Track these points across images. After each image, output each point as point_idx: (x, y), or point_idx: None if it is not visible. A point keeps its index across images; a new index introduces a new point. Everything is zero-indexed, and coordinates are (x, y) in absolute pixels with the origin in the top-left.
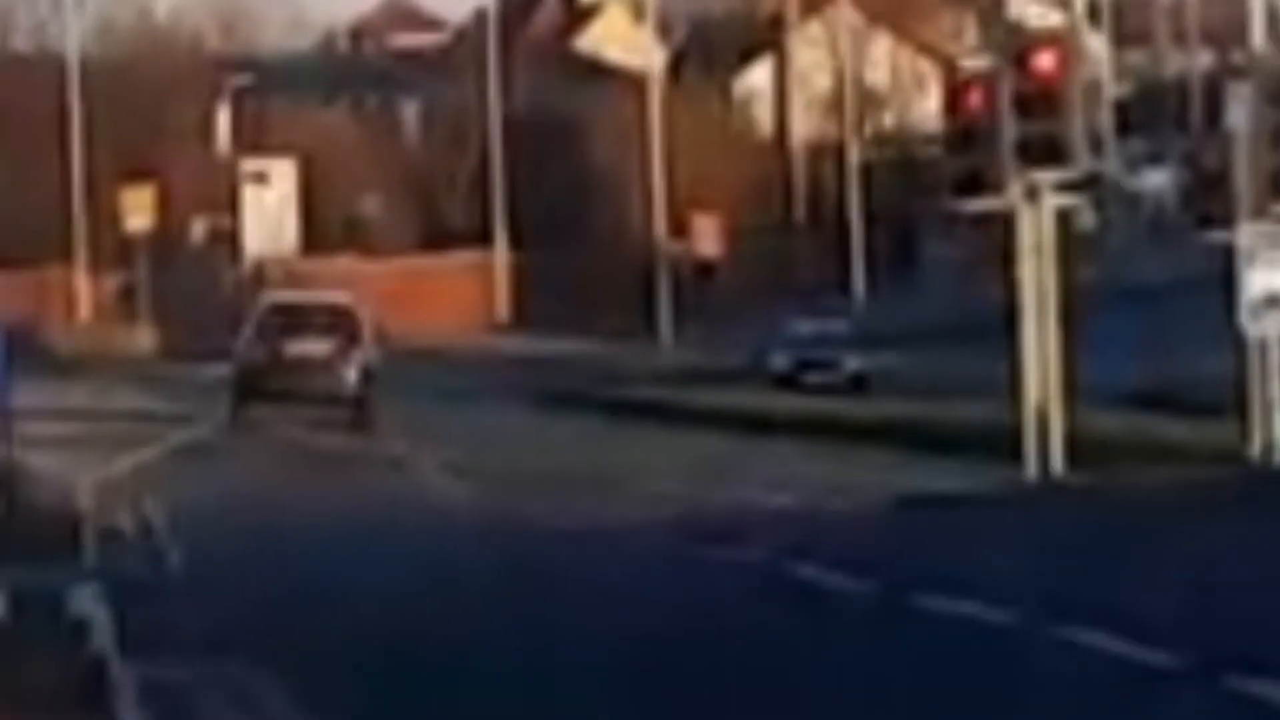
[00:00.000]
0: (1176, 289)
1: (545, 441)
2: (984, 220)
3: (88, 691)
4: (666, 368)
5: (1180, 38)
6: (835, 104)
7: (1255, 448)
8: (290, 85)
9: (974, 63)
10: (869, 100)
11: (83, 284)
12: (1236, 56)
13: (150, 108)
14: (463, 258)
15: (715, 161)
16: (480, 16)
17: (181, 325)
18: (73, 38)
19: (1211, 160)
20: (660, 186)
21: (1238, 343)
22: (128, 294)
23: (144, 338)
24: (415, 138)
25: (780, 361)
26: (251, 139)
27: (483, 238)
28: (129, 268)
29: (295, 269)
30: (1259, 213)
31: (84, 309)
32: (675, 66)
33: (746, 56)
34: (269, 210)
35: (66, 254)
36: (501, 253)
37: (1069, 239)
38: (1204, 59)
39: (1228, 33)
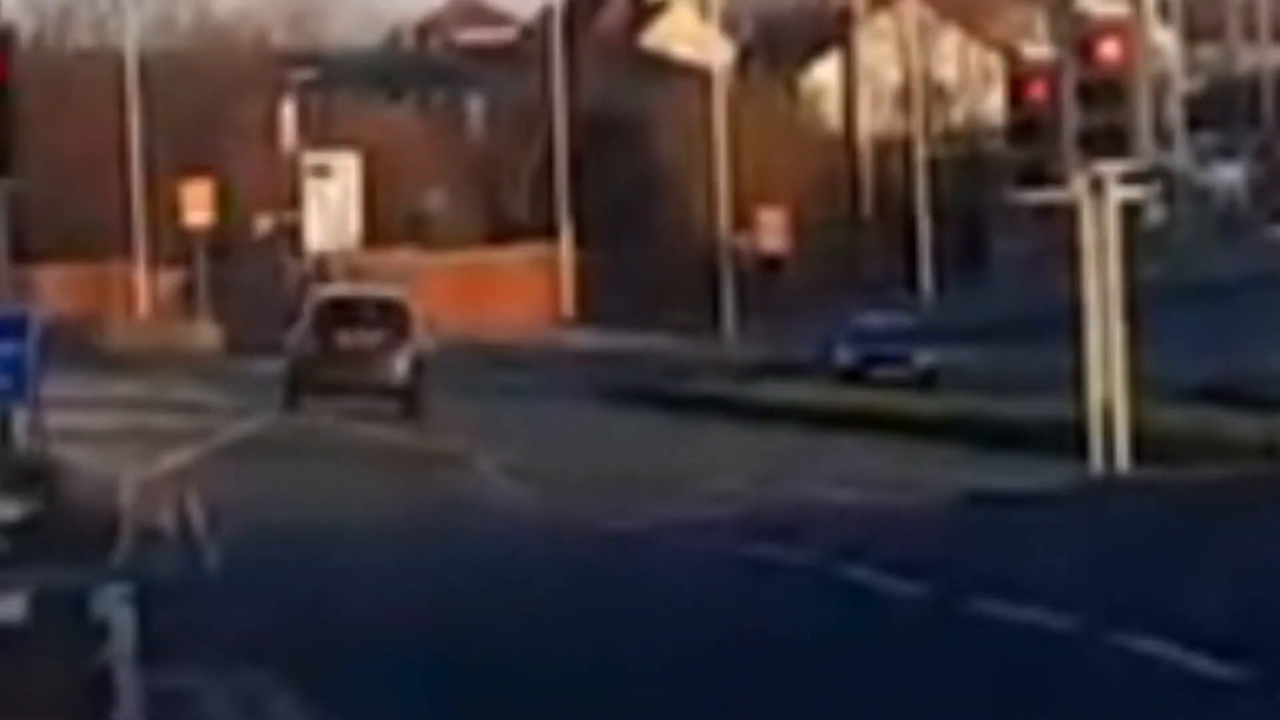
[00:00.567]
0: (1246, 284)
1: (608, 438)
2: (1051, 213)
3: (89, 700)
4: (731, 363)
5: (1251, 32)
6: (903, 99)
7: None
8: (356, 81)
9: (1037, 51)
10: (937, 95)
11: (142, 280)
12: None
13: (212, 103)
14: (527, 252)
15: (781, 157)
16: (547, 13)
17: (243, 320)
18: (132, 33)
19: None
20: (725, 181)
21: None
22: (188, 289)
23: (204, 333)
24: (480, 133)
25: (846, 356)
26: (317, 134)
27: (547, 232)
28: (189, 263)
29: (357, 263)
30: None
31: (144, 304)
32: (742, 62)
33: (814, 52)
34: (331, 204)
35: (126, 249)
36: (566, 247)
37: (1134, 232)
38: (1275, 54)
39: None
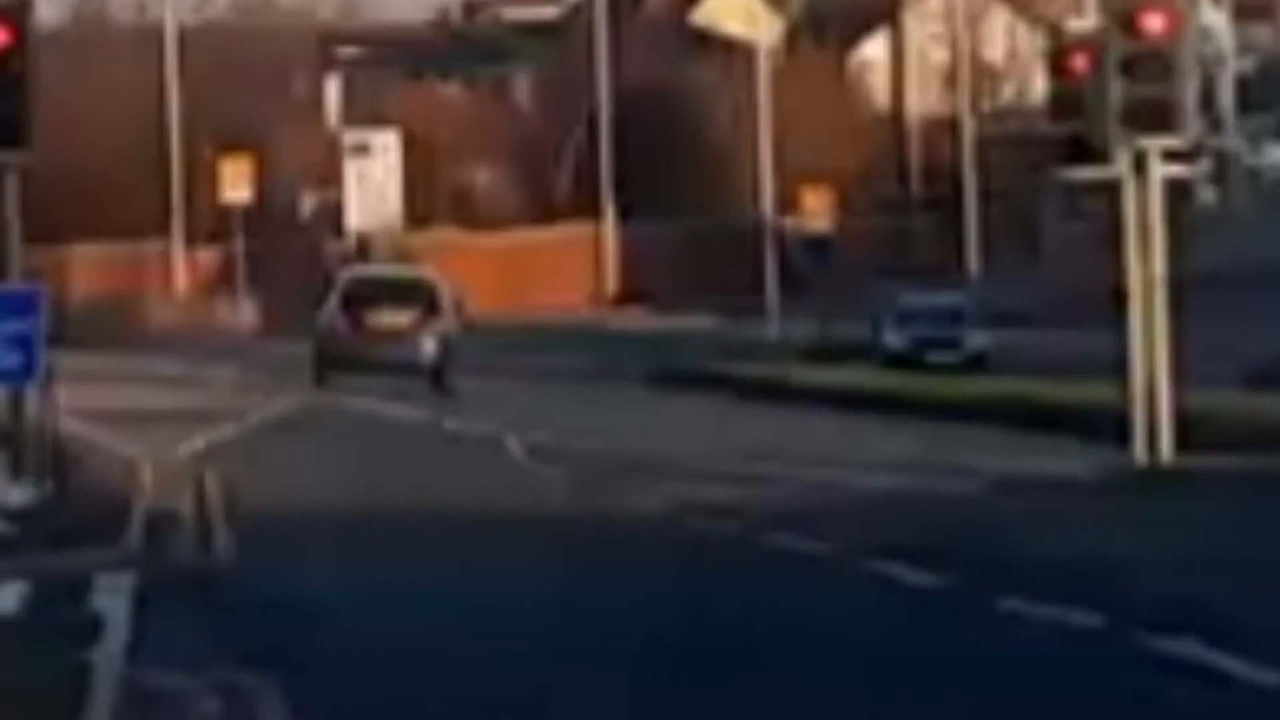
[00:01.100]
0: None
1: (647, 421)
2: (1100, 191)
3: (64, 700)
4: (776, 345)
5: None
6: (952, 79)
7: None
8: (402, 58)
9: (1080, 24)
10: (985, 74)
11: (180, 258)
12: None
13: (256, 81)
14: (571, 231)
15: (829, 136)
16: None
17: (282, 299)
18: (171, 9)
19: None
20: (769, 161)
21: None
22: (227, 268)
23: (243, 312)
24: (527, 110)
25: (895, 339)
26: (363, 112)
27: (592, 211)
28: (228, 241)
29: (400, 242)
30: None
31: (181, 283)
32: (790, 41)
33: (862, 30)
34: (372, 182)
35: (164, 228)
36: (611, 227)
37: (1180, 210)
38: None
39: None
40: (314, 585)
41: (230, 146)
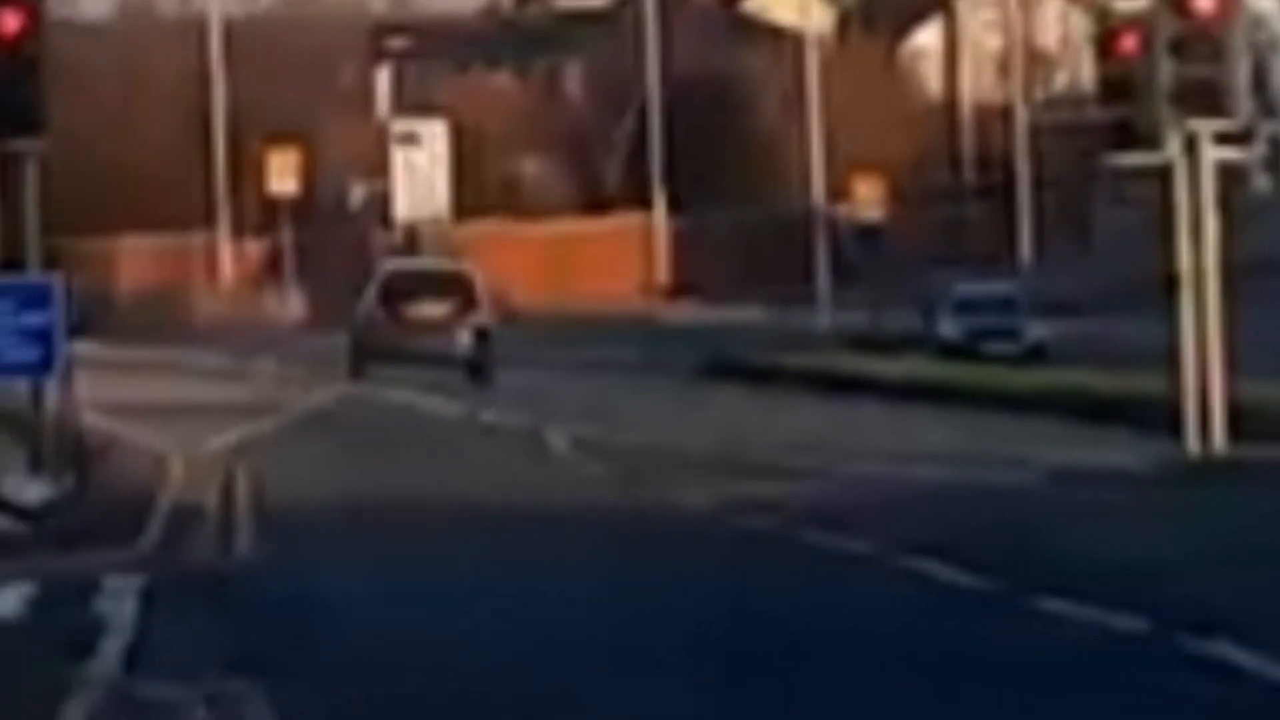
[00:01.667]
0: None
1: (696, 414)
2: (1148, 177)
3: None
4: (826, 335)
5: None
6: (1005, 66)
7: None
8: (453, 49)
9: (1129, 5)
10: (1039, 62)
11: (227, 250)
12: None
13: (303, 72)
14: (621, 222)
15: (881, 125)
16: None
17: (329, 291)
18: (216, 1)
19: None
20: (819, 150)
21: None
22: (273, 259)
23: (290, 304)
24: (577, 100)
25: (952, 330)
26: (413, 102)
27: (641, 202)
28: (274, 232)
29: (449, 233)
30: None
31: (228, 275)
32: (842, 29)
33: (914, 18)
34: (420, 172)
35: (211, 219)
36: (660, 217)
37: (1232, 196)
38: None
39: None
40: (337, 583)
41: (278, 138)
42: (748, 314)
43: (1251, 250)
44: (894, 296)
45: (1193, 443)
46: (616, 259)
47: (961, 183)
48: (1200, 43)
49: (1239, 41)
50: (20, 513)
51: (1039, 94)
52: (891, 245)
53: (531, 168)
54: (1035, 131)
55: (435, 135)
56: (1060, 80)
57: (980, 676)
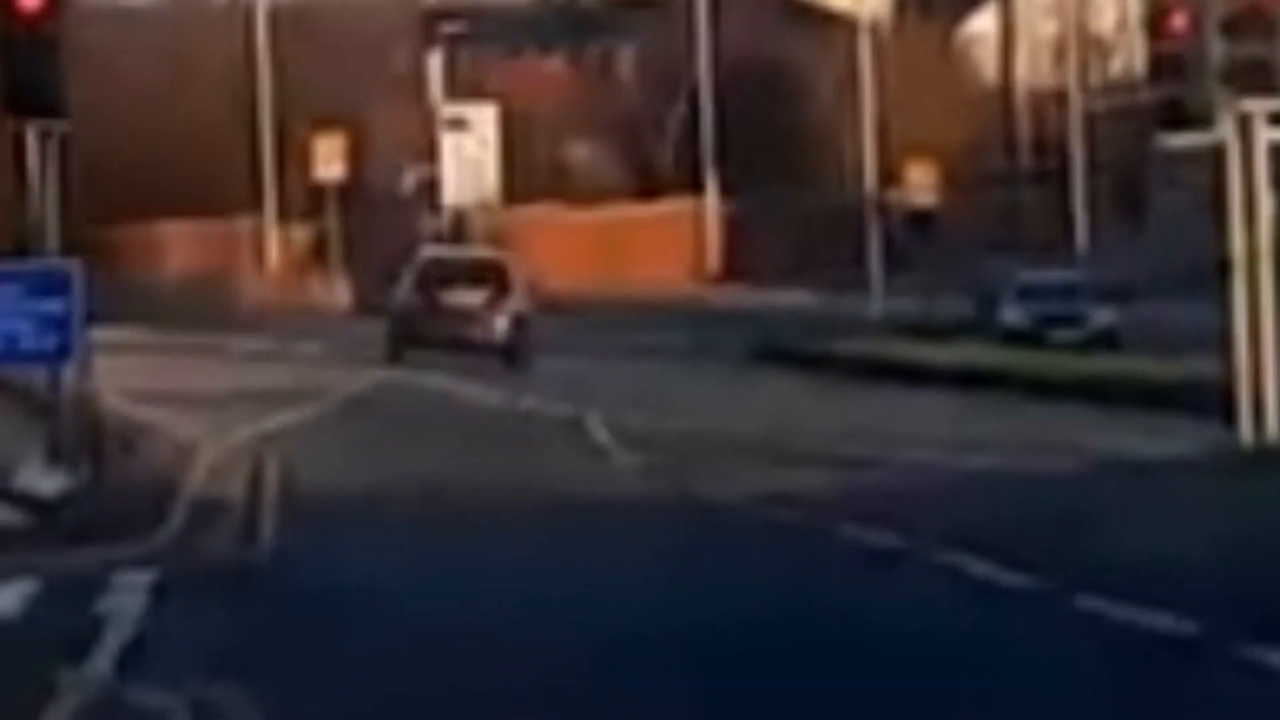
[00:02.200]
0: None
1: (744, 402)
2: (1199, 159)
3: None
4: (878, 322)
5: None
6: (1061, 51)
7: None
8: (506, 34)
9: None
10: (1094, 47)
11: (273, 235)
12: None
13: (353, 57)
14: (672, 206)
15: (935, 110)
16: None
17: (375, 277)
18: None
19: None
20: (872, 134)
21: None
22: (319, 245)
23: (336, 290)
24: (630, 84)
25: (1016, 316)
26: (465, 88)
27: (693, 186)
28: (321, 218)
29: (498, 219)
30: None
31: (274, 260)
32: (897, 13)
33: (970, 3)
34: (469, 157)
35: (257, 204)
36: (712, 202)
37: None
38: None
39: None
40: (363, 574)
41: (325, 123)
42: (798, 299)
43: None
44: (947, 283)
45: (1246, 430)
46: (667, 244)
47: (1016, 168)
48: (1252, 21)
49: None
50: (36, 505)
51: (1094, 79)
52: (946, 231)
53: (583, 152)
54: (1090, 117)
55: (485, 120)
56: (1116, 65)
57: (1018, 679)
